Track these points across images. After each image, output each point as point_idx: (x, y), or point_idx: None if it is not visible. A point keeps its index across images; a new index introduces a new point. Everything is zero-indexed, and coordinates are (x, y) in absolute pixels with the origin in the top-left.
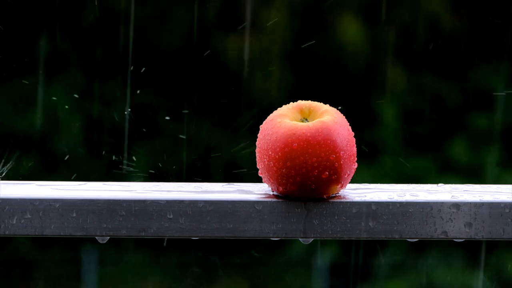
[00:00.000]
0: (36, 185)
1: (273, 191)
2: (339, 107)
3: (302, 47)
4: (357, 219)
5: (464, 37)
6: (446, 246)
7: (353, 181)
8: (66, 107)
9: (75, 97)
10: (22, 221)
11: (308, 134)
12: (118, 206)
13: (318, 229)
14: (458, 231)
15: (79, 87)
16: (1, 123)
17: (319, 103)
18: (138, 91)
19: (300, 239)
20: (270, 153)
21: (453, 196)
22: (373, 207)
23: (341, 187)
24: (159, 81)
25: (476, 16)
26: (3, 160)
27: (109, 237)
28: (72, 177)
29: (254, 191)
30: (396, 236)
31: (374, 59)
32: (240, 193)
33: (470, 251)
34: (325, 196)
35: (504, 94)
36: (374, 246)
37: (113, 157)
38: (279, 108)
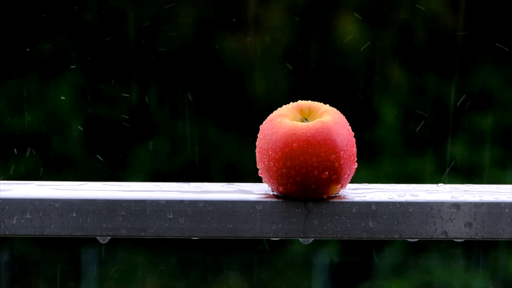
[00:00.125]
0: (36, 185)
1: (273, 191)
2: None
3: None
4: (357, 219)
5: (464, 37)
6: (446, 246)
7: (353, 181)
8: (67, 107)
9: (75, 97)
10: (22, 221)
11: (308, 134)
12: (118, 206)
13: (318, 229)
14: (458, 231)
15: (79, 87)
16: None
17: (319, 103)
18: (138, 91)
19: (300, 239)
20: (270, 153)
21: (453, 196)
22: (373, 207)
23: (341, 187)
24: (159, 81)
25: (476, 16)
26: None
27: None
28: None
29: (254, 191)
30: (396, 236)
31: (374, 59)
32: (240, 193)
33: (470, 251)
34: (325, 196)
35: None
36: (374, 246)
37: (113, 157)
38: (279, 108)
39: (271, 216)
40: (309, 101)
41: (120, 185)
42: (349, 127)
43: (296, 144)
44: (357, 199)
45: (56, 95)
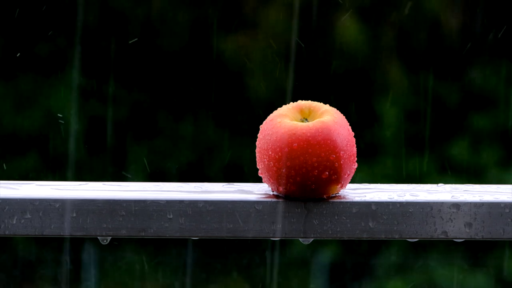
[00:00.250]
0: (36, 185)
1: (273, 191)
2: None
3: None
4: (357, 219)
5: (464, 37)
6: (446, 246)
7: (353, 181)
8: (67, 107)
9: (75, 97)
10: (22, 221)
11: (308, 134)
12: (118, 206)
13: (318, 229)
14: (458, 231)
15: (79, 87)
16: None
17: (319, 103)
18: (138, 91)
19: (300, 239)
20: (270, 153)
21: (453, 196)
22: (373, 207)
23: (341, 187)
24: (159, 81)
25: (476, 16)
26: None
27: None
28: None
29: (254, 191)
30: (396, 236)
31: (374, 59)
32: (240, 193)
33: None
34: (325, 196)
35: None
36: (374, 246)
37: (113, 157)
38: (279, 108)
39: (271, 216)
40: (309, 101)
41: (120, 185)
42: (349, 127)
43: (296, 144)
44: (357, 199)
45: (56, 95)
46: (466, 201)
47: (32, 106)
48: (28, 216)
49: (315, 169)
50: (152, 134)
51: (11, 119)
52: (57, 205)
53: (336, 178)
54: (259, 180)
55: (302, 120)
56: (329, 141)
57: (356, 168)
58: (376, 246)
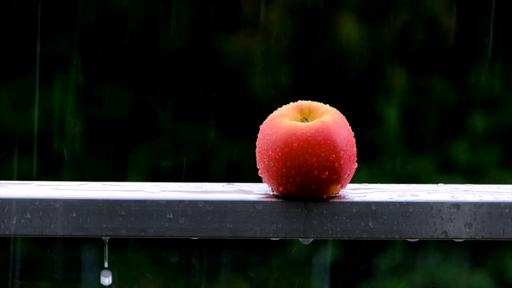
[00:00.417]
0: (36, 185)
1: (273, 191)
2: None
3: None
4: (357, 219)
5: (464, 37)
6: (446, 246)
7: (353, 181)
8: (67, 107)
9: (75, 97)
10: (22, 221)
11: (308, 134)
12: (118, 206)
13: (318, 229)
14: (458, 231)
15: (79, 87)
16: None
17: (319, 103)
18: (138, 91)
19: (300, 239)
20: (270, 153)
21: (453, 196)
22: (373, 207)
23: (341, 187)
24: (159, 81)
25: (476, 16)
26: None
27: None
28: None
29: (254, 191)
30: (396, 236)
31: (374, 59)
32: (240, 193)
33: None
34: (325, 196)
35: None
36: (374, 246)
37: (113, 157)
38: (279, 108)
39: (271, 216)
40: (309, 101)
41: (120, 185)
42: (349, 127)
43: (296, 144)
44: (357, 199)
45: (56, 95)
46: (466, 201)
47: (32, 106)
48: (28, 216)
49: (315, 169)
50: (152, 134)
51: (11, 119)
52: (57, 205)
53: (336, 178)
54: (259, 180)
55: (302, 120)
56: (329, 141)
57: (356, 168)
58: (376, 246)
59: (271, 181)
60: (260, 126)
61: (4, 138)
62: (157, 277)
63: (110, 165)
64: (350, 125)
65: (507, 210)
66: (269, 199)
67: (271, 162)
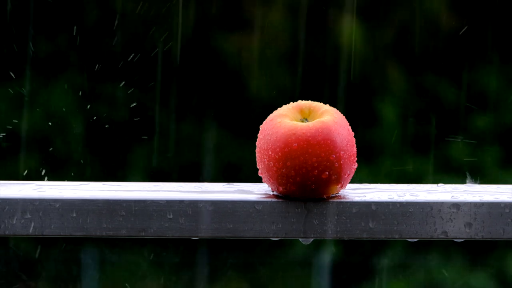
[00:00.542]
0: (36, 185)
1: (273, 191)
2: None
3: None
4: (357, 219)
5: (464, 37)
6: (446, 246)
7: (353, 181)
8: (67, 107)
9: (75, 97)
10: (22, 221)
11: (308, 134)
12: (118, 206)
13: (318, 229)
14: (458, 231)
15: (79, 87)
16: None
17: (319, 103)
18: (138, 91)
19: (300, 239)
20: (270, 153)
21: (453, 196)
22: (373, 207)
23: (341, 187)
24: (159, 81)
25: (476, 15)
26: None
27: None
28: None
29: (254, 191)
30: (396, 236)
31: (374, 59)
32: (240, 193)
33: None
34: (325, 196)
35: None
36: (374, 246)
37: (113, 157)
38: (279, 108)
39: (271, 216)
40: (309, 101)
41: (120, 185)
42: (349, 127)
43: (296, 144)
44: (357, 199)
45: (56, 95)
46: (466, 201)
47: (32, 106)
48: (28, 216)
49: (315, 169)
50: (152, 134)
51: (11, 119)
52: (57, 205)
53: (336, 178)
54: (259, 180)
55: (302, 120)
56: (329, 141)
57: (356, 168)
58: (376, 246)
59: (271, 181)
60: (260, 126)
61: (4, 138)
62: (157, 277)
63: (110, 165)
64: (350, 125)
65: (507, 210)
66: (269, 199)
67: (271, 162)
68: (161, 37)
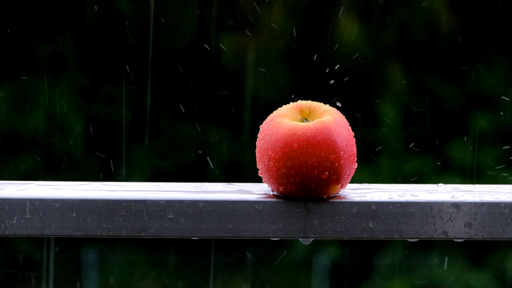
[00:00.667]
0: (36, 185)
1: (273, 191)
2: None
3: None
4: (357, 219)
5: (464, 37)
6: (446, 246)
7: (353, 181)
8: (67, 107)
9: (76, 97)
10: (22, 221)
11: (308, 134)
12: (118, 206)
13: (318, 229)
14: (458, 231)
15: (79, 87)
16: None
17: (319, 103)
18: (138, 91)
19: (300, 239)
20: (270, 153)
21: (453, 196)
22: (373, 207)
23: (341, 187)
24: (159, 81)
25: (476, 15)
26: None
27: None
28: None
29: (254, 191)
30: (396, 236)
31: (374, 59)
32: (240, 193)
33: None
34: (325, 196)
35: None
36: (374, 246)
37: (113, 157)
38: (279, 108)
39: (271, 216)
40: (309, 101)
41: (120, 185)
42: (349, 127)
43: (296, 144)
44: (357, 199)
45: (57, 95)
46: (466, 201)
47: (33, 106)
48: (28, 216)
49: (315, 169)
50: (152, 134)
51: (11, 119)
52: (57, 205)
53: (336, 178)
54: (259, 180)
55: (302, 120)
56: (329, 141)
57: (356, 168)
58: (376, 246)
59: (271, 181)
60: (260, 126)
61: (4, 138)
62: (156, 277)
63: (110, 165)
64: (350, 125)
65: (507, 210)
66: (269, 199)
67: (271, 162)
68: (161, 37)
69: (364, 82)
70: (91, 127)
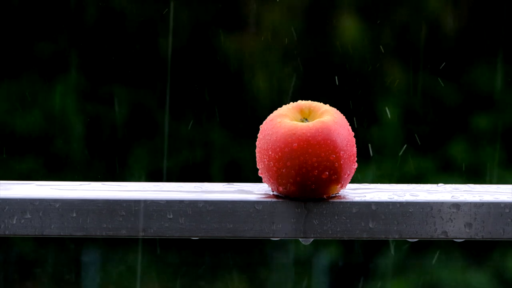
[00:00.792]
0: (36, 185)
1: (273, 191)
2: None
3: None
4: (357, 219)
5: (464, 36)
6: (446, 246)
7: (353, 181)
8: (67, 107)
9: (75, 97)
10: (22, 221)
11: (308, 134)
12: (118, 206)
13: (318, 229)
14: (458, 231)
15: (79, 87)
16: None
17: (319, 103)
18: (138, 91)
19: (300, 239)
20: (270, 153)
21: (453, 196)
22: (373, 207)
23: (341, 187)
24: (159, 81)
25: (476, 15)
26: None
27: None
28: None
29: (254, 191)
30: (396, 236)
31: (374, 59)
32: (240, 193)
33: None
34: (325, 196)
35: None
36: (375, 246)
37: (113, 157)
38: (279, 108)
39: (271, 216)
40: (309, 101)
41: (120, 185)
42: (349, 127)
43: (296, 144)
44: (357, 199)
45: (57, 95)
46: (466, 201)
47: (33, 106)
48: (28, 216)
49: (315, 169)
50: (152, 134)
51: (11, 119)
52: (57, 205)
53: (336, 178)
54: (259, 180)
55: (302, 120)
56: (329, 141)
57: (356, 168)
58: (376, 246)
59: (271, 181)
60: (260, 126)
61: (4, 138)
62: (156, 277)
63: (110, 165)
64: (350, 125)
65: (507, 210)
66: (269, 199)
67: (271, 162)
68: (161, 37)
69: (364, 82)
70: (91, 127)
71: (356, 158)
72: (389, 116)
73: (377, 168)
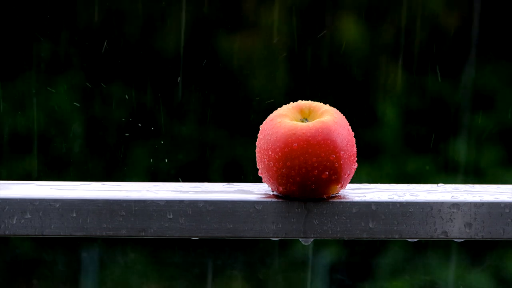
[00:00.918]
0: (36, 185)
1: (273, 191)
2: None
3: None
4: (357, 219)
5: (464, 36)
6: (446, 246)
7: (353, 181)
8: (67, 107)
9: (75, 97)
10: (22, 221)
11: (308, 134)
12: (118, 206)
13: (318, 229)
14: (458, 231)
15: (79, 87)
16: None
17: (319, 103)
18: (138, 91)
19: (300, 239)
20: (270, 153)
21: (453, 196)
22: (373, 207)
23: (341, 187)
24: (159, 81)
25: (477, 15)
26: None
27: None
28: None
29: (254, 191)
30: (396, 236)
31: (374, 59)
32: (240, 193)
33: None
34: (325, 196)
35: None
36: (375, 246)
37: (113, 157)
38: (279, 108)
39: (271, 216)
40: (309, 101)
41: (120, 185)
42: (349, 127)
43: (296, 144)
44: (357, 199)
45: (56, 95)
46: (466, 201)
47: (32, 106)
48: (28, 216)
49: (315, 169)
50: (152, 134)
51: (11, 119)
52: (57, 205)
53: (336, 178)
54: (259, 180)
55: (302, 120)
56: (329, 141)
57: (356, 168)
58: (376, 246)
59: (271, 181)
60: (260, 126)
61: (4, 138)
62: (156, 277)
63: (110, 165)
64: (350, 125)
65: (507, 210)
66: (269, 199)
67: (271, 162)
68: (161, 37)
69: (364, 81)
70: (91, 127)
71: (356, 158)
72: (389, 116)
73: (377, 168)
